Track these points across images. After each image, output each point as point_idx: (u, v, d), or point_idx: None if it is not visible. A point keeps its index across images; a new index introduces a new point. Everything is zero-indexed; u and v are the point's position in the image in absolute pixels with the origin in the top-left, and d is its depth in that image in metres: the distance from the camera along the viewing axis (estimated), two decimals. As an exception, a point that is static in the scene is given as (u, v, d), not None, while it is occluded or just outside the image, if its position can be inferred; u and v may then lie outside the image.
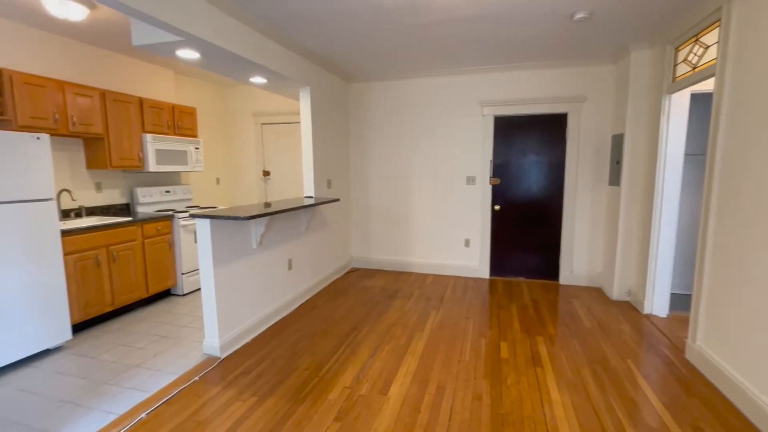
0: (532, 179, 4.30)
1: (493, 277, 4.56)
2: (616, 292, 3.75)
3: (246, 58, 2.87)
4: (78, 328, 3.05)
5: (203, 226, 2.56)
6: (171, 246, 3.77)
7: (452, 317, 3.35)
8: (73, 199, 3.14)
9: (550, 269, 4.38)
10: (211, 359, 2.61)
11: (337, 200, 3.90)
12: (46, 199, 2.61)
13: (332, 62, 4.00)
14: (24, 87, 2.82)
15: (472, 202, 4.50)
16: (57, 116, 3.03)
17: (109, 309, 3.19)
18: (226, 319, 2.71)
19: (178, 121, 4.19)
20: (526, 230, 4.40)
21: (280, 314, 3.36)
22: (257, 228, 2.94)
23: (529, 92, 4.15)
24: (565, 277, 4.29)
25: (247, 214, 2.48)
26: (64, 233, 2.83)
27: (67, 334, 2.75)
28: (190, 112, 4.35)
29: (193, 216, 2.54)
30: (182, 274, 3.85)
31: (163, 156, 3.92)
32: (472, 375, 2.41)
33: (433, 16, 2.79)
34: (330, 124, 4.34)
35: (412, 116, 4.58)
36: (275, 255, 3.30)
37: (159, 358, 2.62)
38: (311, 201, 3.53)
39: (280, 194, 5.37)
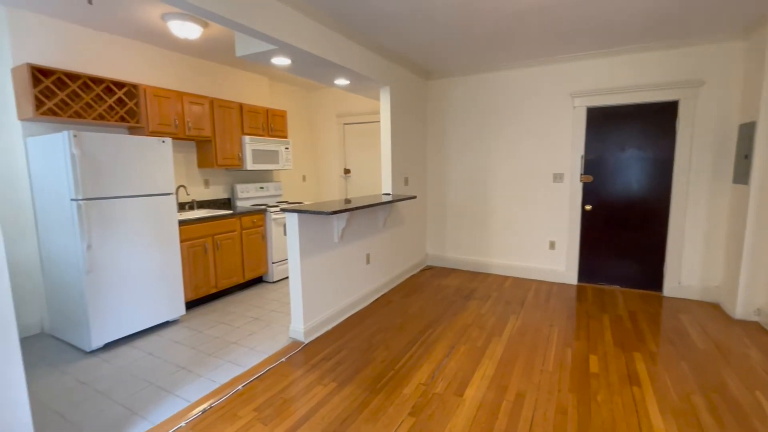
0: (631, 176, 3.84)
1: (582, 284, 4.18)
2: (741, 310, 3.18)
3: (330, 60, 3.02)
4: (189, 305, 3.53)
5: (292, 219, 2.77)
6: (264, 237, 4.16)
7: (534, 323, 3.16)
8: (187, 194, 3.64)
9: (652, 278, 3.88)
10: (296, 343, 2.82)
11: (414, 197, 3.92)
12: (168, 194, 3.06)
13: (412, 60, 4.02)
14: (154, 99, 3.34)
15: (558, 201, 4.18)
16: (177, 122, 3.53)
17: (213, 291, 3.64)
18: (310, 308, 2.91)
19: (271, 124, 4.59)
20: (622, 233, 3.95)
21: (358, 306, 3.50)
22: (339, 223, 3.10)
23: (628, 79, 3.71)
24: (671, 288, 3.76)
25: (330, 210, 2.63)
26: (181, 223, 3.29)
27: (181, 309, 3.21)
28: (282, 115, 4.73)
29: (283, 210, 2.77)
30: (272, 263, 4.22)
31: (258, 155, 4.33)
32: (555, 387, 2.25)
33: (524, 2, 2.64)
34: (408, 123, 4.37)
35: (493, 110, 4.40)
36: (354, 249, 3.44)
37: (252, 338, 2.91)
38: (388, 198, 3.60)
39: (360, 191, 5.58)
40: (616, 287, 4.04)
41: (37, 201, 2.83)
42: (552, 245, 4.27)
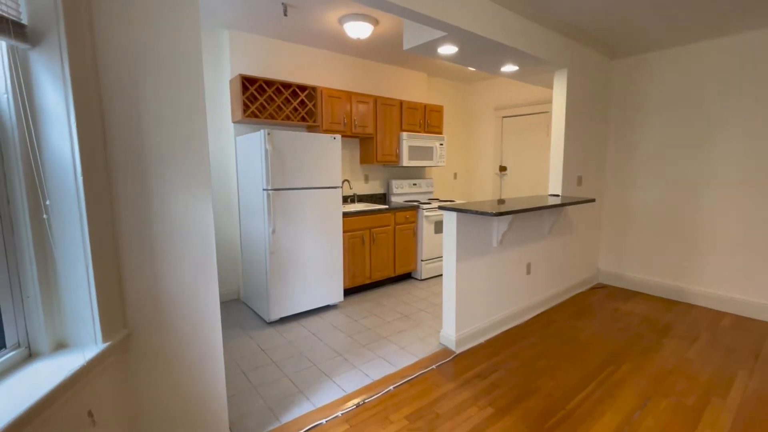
0: None
1: None
2: None
3: (501, 43, 2.69)
4: (345, 292, 3.75)
5: (450, 218, 2.59)
6: (415, 234, 4.14)
7: (784, 389, 2.20)
8: (350, 188, 3.88)
9: None
10: (446, 351, 2.64)
11: (592, 200, 3.25)
12: (336, 187, 3.28)
13: (593, 34, 3.32)
14: (328, 99, 3.63)
15: (831, 215, 2.85)
16: (345, 121, 3.77)
17: (367, 281, 3.79)
18: (463, 315, 2.69)
19: (428, 119, 4.52)
20: None
21: (514, 321, 3.10)
22: (500, 225, 2.77)
23: None
24: None
25: (494, 210, 2.33)
26: (344, 215, 3.51)
27: (340, 296, 3.42)
28: (438, 110, 4.62)
29: (441, 208, 2.61)
30: (422, 260, 4.17)
31: (414, 152, 4.32)
32: None
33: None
34: (586, 111, 3.67)
35: (711, 95, 3.30)
36: (514, 256, 3.05)
37: (402, 336, 2.87)
38: (557, 200, 3.07)
39: (516, 191, 5.05)
40: None
41: (240, 190, 3.40)
42: (812, 279, 2.95)
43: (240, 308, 3.45)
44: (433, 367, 2.44)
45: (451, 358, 2.56)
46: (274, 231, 2.93)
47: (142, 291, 1.42)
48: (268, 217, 2.90)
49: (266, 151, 2.84)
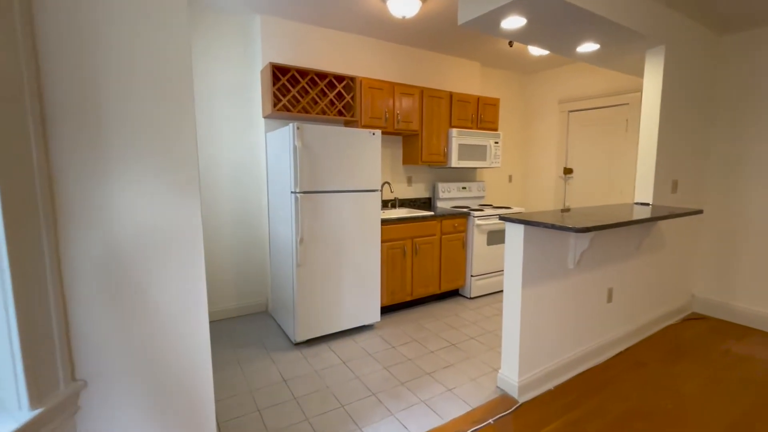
0: None
1: None
2: None
3: (585, 9, 2.11)
4: (382, 310, 3.30)
5: (515, 233, 2.04)
6: (464, 245, 3.60)
7: None
8: (391, 191, 3.44)
9: None
10: (506, 398, 2.10)
11: (699, 212, 2.54)
12: (374, 190, 2.84)
13: (702, 1, 2.60)
14: (368, 91, 3.21)
15: None
16: (387, 115, 3.33)
17: (407, 299, 3.31)
18: (529, 353, 2.13)
19: (481, 114, 3.97)
20: None
21: (591, 361, 2.48)
22: (579, 242, 2.18)
23: None
24: None
25: (579, 225, 1.76)
26: (382, 222, 3.06)
27: (377, 315, 2.97)
28: (494, 104, 4.05)
29: (504, 218, 2.07)
30: (471, 276, 3.62)
31: (464, 151, 3.79)
32: None
33: None
34: (686, 99, 2.95)
35: None
36: (593, 280, 2.43)
37: (449, 373, 2.35)
38: (647, 211, 2.41)
39: (583, 197, 4.33)
40: None
41: (270, 191, 3.07)
42: None
43: (266, 323, 3.11)
44: (490, 421, 1.91)
45: (513, 409, 2.01)
46: (302, 240, 2.55)
47: (102, 330, 1.05)
48: (295, 224, 2.52)
49: (295, 148, 2.46)
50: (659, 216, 2.20)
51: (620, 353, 2.64)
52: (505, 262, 2.13)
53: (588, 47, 2.73)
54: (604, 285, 2.52)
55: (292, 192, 2.53)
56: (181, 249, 1.16)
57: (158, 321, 1.14)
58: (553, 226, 1.82)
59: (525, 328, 2.09)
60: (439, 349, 2.66)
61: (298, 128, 2.44)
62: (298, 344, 2.72)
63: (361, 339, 2.82)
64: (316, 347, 2.69)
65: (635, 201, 2.93)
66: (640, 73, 3.43)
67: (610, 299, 2.58)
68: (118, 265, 1.06)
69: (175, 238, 1.14)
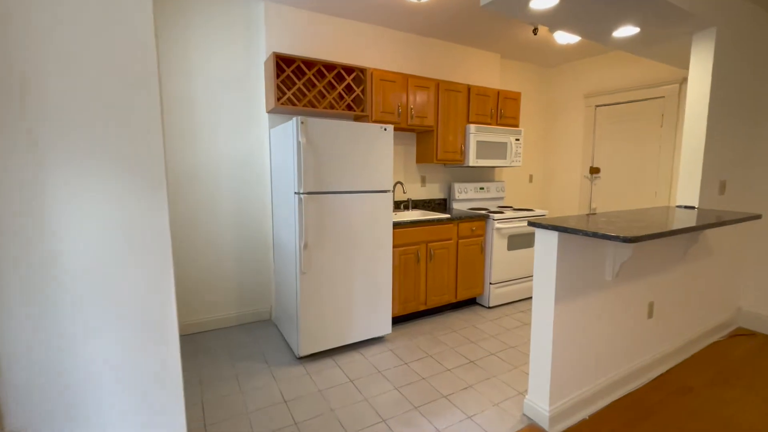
0: None
1: None
2: None
3: (635, -14, 1.83)
4: (394, 321, 3.06)
5: (547, 241, 1.78)
6: (482, 250, 3.33)
7: None
8: (404, 192, 3.19)
9: None
10: (534, 429, 1.84)
11: (758, 217, 2.22)
12: (385, 191, 2.60)
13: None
14: (380, 84, 2.97)
15: None
16: (400, 110, 3.09)
17: (421, 308, 3.06)
18: (561, 377, 1.86)
19: (502, 109, 3.69)
20: None
21: (630, 385, 2.19)
22: (620, 253, 1.90)
23: None
24: None
25: (629, 234, 1.49)
26: (394, 225, 2.82)
27: (387, 327, 2.73)
28: (515, 98, 3.76)
29: (534, 224, 1.81)
30: (490, 283, 3.34)
31: (483, 149, 3.51)
32: None
33: None
34: (737, 90, 2.62)
35: None
36: (632, 294, 2.15)
37: (469, 396, 2.10)
38: (694, 216, 2.11)
39: (611, 198, 4.01)
40: None
41: (274, 192, 2.86)
42: None
43: (270, 333, 2.90)
44: (518, 459, 1.65)
45: (544, 444, 1.75)
46: (305, 246, 2.32)
47: (32, 374, 0.83)
48: (298, 228, 2.30)
49: (298, 144, 2.24)
50: (721, 221, 1.90)
51: (662, 375, 2.35)
52: (534, 274, 1.86)
53: (626, 31, 2.44)
54: (644, 298, 2.23)
55: (295, 193, 2.31)
56: (146, 260, 0.94)
57: (106, 353, 0.93)
58: (595, 235, 1.55)
59: (557, 348, 1.83)
60: (456, 367, 2.41)
61: (302, 122, 2.22)
62: (302, 358, 2.50)
63: (371, 353, 2.58)
64: (321, 362, 2.46)
65: (678, 204, 2.62)
66: (680, 63, 3.11)
67: (650, 314, 2.29)
68: (58, 285, 0.85)
69: (137, 248, 0.92)
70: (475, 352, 2.61)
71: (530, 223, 1.84)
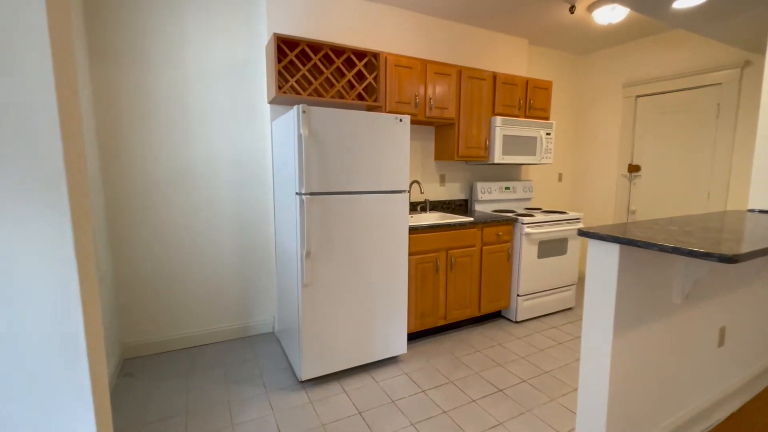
0: None
1: None
2: None
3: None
4: (410, 337, 2.73)
5: (604, 256, 1.42)
6: (509, 257, 2.96)
7: None
8: (421, 192, 2.86)
9: None
10: (585, 489, 1.48)
11: None
12: (401, 191, 2.27)
13: None
14: (395, 70, 2.64)
15: None
16: (417, 100, 2.75)
17: (440, 323, 2.72)
18: (619, 419, 1.50)
19: (531, 100, 3.30)
20: None
21: (696, 428, 1.80)
22: (693, 270, 1.52)
23: None
24: None
25: (729, 252, 1.12)
26: (410, 230, 2.48)
27: (402, 346, 2.40)
28: (545, 87, 3.37)
29: (587, 234, 1.45)
30: (518, 295, 2.97)
31: (510, 144, 3.14)
32: None
33: None
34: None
35: None
36: (701, 318, 1.76)
37: (500, 438, 1.75)
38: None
39: (653, 199, 3.58)
40: None
41: (276, 191, 2.56)
42: None
43: (271, 349, 2.61)
44: None
45: None
46: (308, 254, 2.01)
47: None
48: (300, 234, 1.99)
49: (300, 136, 1.92)
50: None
51: (736, 413, 1.94)
52: (586, 297, 1.50)
53: (693, 0, 2.03)
54: (714, 323, 1.84)
55: (296, 193, 1.99)
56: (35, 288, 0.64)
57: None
58: (677, 251, 1.18)
59: (615, 390, 1.46)
60: (482, 397, 2.06)
61: (303, 112, 1.91)
62: (305, 382, 2.19)
63: (383, 377, 2.26)
64: (326, 387, 2.15)
65: (750, 208, 2.20)
66: (745, 43, 2.67)
67: (721, 342, 1.89)
68: None
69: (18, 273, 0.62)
70: (504, 378, 2.25)
71: (582, 233, 1.48)
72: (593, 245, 1.47)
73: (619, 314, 1.42)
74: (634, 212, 3.73)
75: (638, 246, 1.28)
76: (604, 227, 1.52)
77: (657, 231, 1.46)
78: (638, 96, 3.66)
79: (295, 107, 1.92)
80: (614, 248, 1.39)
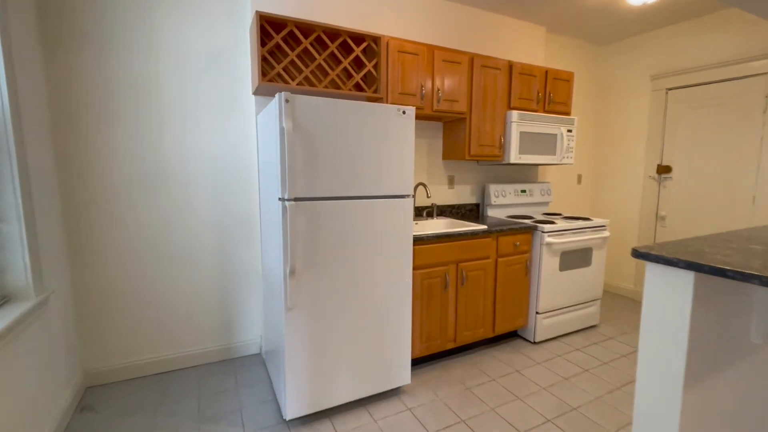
0: None
1: None
2: None
3: None
4: (414, 363, 2.39)
5: (672, 285, 1.07)
6: (527, 270, 2.62)
7: None
8: (428, 196, 2.52)
9: None
10: None
11: None
12: (404, 196, 1.94)
13: None
14: (398, 57, 2.31)
15: None
16: (423, 91, 2.41)
17: (449, 346, 2.38)
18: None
19: (551, 92, 2.95)
20: None
21: (773, 493, 1.45)
22: (785, 300, 1.17)
23: None
24: None
25: None
26: (415, 241, 2.15)
27: (405, 376, 2.06)
28: (567, 79, 3.02)
29: (641, 255, 1.11)
30: (537, 313, 2.63)
31: (527, 142, 2.79)
32: None
33: None
34: None
35: None
36: (780, 356, 1.40)
37: (526, 504, 1.41)
38: None
39: (686, 204, 3.21)
40: None
41: (261, 196, 2.24)
42: None
43: (256, 375, 2.29)
44: None
45: None
46: (293, 272, 1.68)
47: None
48: (284, 248, 1.66)
49: (282, 130, 1.60)
50: None
51: (813, 473, 1.58)
52: (642, 335, 1.16)
53: (757, -34, 1.68)
54: (792, 361, 1.48)
55: (279, 199, 1.67)
56: None
57: None
58: (793, 287, 0.83)
59: (683, 460, 1.12)
60: (501, 444, 1.72)
61: (287, 101, 1.58)
62: (291, 421, 1.87)
63: (383, 413, 1.92)
64: (314, 427, 1.82)
65: (822, 216, 1.84)
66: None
67: (798, 384, 1.53)
68: None
69: None
70: (525, 416, 1.91)
71: (638, 254, 1.13)
72: (655, 271, 1.13)
73: (692, 363, 1.08)
74: (663, 218, 3.36)
75: (726, 276, 0.94)
76: (664, 245, 1.17)
77: (736, 251, 1.11)
78: (669, 89, 3.29)
79: (277, 95, 1.59)
80: (688, 277, 1.04)
